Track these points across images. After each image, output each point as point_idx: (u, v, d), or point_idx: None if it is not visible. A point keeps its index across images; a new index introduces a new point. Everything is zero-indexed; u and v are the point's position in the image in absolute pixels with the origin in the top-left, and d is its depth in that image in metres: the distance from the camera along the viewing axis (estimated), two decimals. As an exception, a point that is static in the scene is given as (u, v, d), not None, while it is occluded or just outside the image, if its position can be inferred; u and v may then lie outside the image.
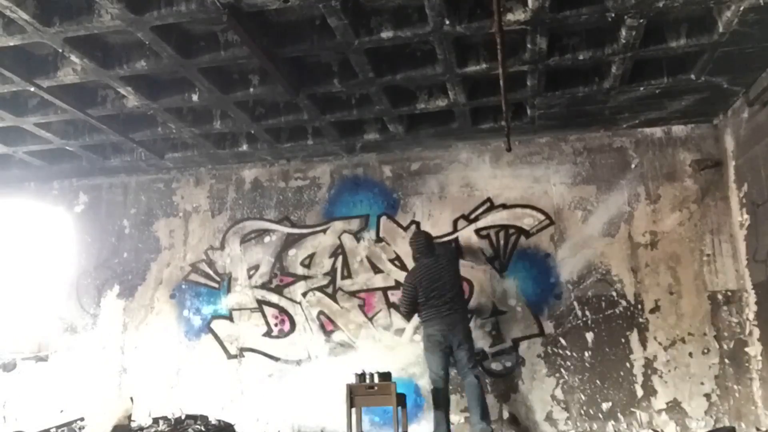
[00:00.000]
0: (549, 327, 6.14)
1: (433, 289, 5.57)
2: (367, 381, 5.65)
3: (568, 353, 6.06)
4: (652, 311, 5.98)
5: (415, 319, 6.37)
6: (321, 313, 6.62)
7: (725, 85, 5.32)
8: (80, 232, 7.39)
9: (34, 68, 4.91)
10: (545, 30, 4.37)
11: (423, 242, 5.87)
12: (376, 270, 6.58)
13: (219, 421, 5.90)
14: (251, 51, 4.37)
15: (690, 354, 5.84)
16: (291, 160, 7.04)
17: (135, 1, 3.98)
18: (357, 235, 6.69)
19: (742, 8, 4.09)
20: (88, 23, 4.14)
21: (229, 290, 6.89)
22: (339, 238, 6.73)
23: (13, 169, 7.11)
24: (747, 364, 5.71)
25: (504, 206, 6.45)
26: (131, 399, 5.81)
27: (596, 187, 6.31)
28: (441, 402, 5.47)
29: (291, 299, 6.72)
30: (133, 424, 5.55)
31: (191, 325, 6.89)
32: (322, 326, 6.58)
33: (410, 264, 6.48)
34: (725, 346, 5.80)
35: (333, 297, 6.60)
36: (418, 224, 6.57)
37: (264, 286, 6.82)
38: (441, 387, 5.48)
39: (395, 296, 6.45)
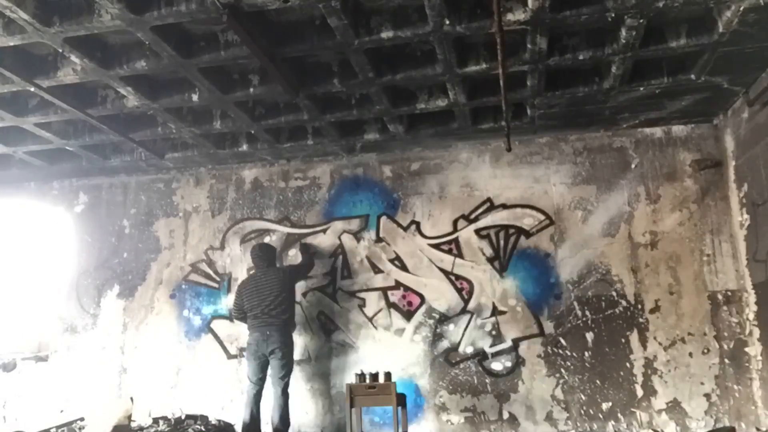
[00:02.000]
0: (549, 327, 6.14)
1: (255, 300, 5.92)
2: (368, 381, 5.65)
3: (568, 353, 6.06)
4: (652, 311, 5.98)
5: (416, 319, 6.40)
6: (321, 313, 6.62)
7: (725, 85, 5.32)
8: (80, 232, 7.39)
9: (34, 68, 4.91)
10: (545, 30, 4.37)
11: (257, 254, 6.24)
12: (376, 270, 6.58)
13: (219, 421, 5.91)
14: (251, 51, 4.37)
15: (690, 354, 5.84)
16: (291, 160, 7.04)
17: (135, 1, 3.98)
18: (357, 235, 6.69)
19: (742, 8, 4.09)
20: (88, 23, 4.14)
21: (229, 290, 6.89)
22: (339, 238, 6.73)
23: (13, 169, 7.11)
24: (747, 364, 5.71)
25: (504, 206, 6.45)
26: (131, 399, 5.83)
27: (596, 187, 6.31)
28: (250, 404, 5.77)
29: (291, 299, 6.71)
30: (133, 424, 5.56)
31: (191, 325, 6.89)
32: (322, 326, 6.58)
33: (410, 264, 6.52)
34: (725, 346, 5.80)
35: (333, 297, 6.60)
36: (418, 224, 6.57)
37: (264, 286, 6.81)
38: (252, 393, 5.81)
39: (395, 296, 6.46)
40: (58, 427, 5.76)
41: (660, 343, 5.91)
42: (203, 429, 5.58)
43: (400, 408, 5.67)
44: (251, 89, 5.28)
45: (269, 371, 5.84)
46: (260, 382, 5.83)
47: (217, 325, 6.84)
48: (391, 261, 6.58)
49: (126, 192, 7.40)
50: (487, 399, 6.12)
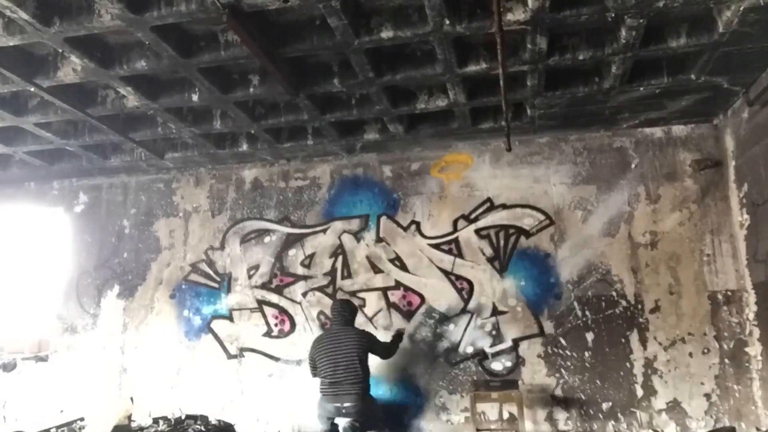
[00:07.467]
0: (549, 327, 6.14)
1: (329, 361, 5.33)
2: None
3: (568, 353, 6.06)
4: (652, 311, 5.98)
5: (416, 320, 6.41)
6: (321, 313, 6.62)
7: (725, 85, 5.31)
8: (80, 232, 7.40)
9: (34, 68, 4.90)
10: (545, 30, 4.37)
11: (338, 309, 5.60)
12: (376, 270, 6.58)
13: (219, 421, 5.90)
14: (251, 51, 4.36)
15: (690, 354, 5.85)
16: (291, 160, 7.04)
17: (135, 1, 3.98)
18: (357, 235, 6.70)
19: (742, 8, 4.09)
20: (88, 23, 4.14)
21: (229, 290, 6.90)
22: (339, 238, 6.73)
23: (13, 169, 7.11)
24: (747, 364, 5.71)
25: (504, 206, 6.45)
26: (131, 399, 5.82)
27: (596, 187, 6.31)
28: None
29: (291, 299, 6.73)
30: (133, 424, 5.56)
31: (191, 325, 6.89)
32: (322, 326, 6.57)
33: (410, 264, 6.51)
34: (725, 346, 5.80)
35: (333, 297, 6.60)
36: (418, 224, 6.57)
37: (264, 286, 6.82)
38: None
39: (395, 296, 6.46)
40: (58, 427, 5.75)
41: (660, 343, 5.91)
42: (203, 429, 5.56)
43: None
44: (251, 89, 5.28)
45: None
46: None
47: (217, 325, 6.84)
48: (391, 261, 6.58)
49: (126, 192, 7.40)
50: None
